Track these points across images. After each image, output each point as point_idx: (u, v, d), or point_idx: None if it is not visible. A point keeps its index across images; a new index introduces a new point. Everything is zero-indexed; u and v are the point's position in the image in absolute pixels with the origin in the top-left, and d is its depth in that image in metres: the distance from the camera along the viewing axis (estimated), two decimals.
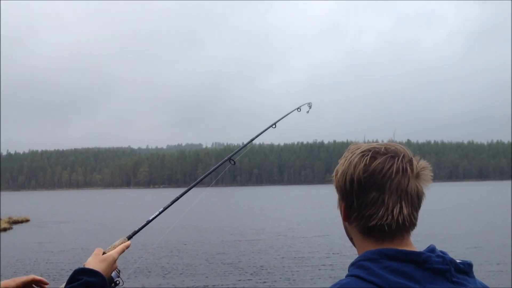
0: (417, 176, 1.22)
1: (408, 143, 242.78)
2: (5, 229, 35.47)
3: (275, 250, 21.38)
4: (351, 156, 1.30)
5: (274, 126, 2.95)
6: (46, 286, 1.77)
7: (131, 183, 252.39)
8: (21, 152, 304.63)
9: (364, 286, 1.12)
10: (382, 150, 1.28)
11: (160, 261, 19.02)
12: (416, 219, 1.23)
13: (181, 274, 16.55)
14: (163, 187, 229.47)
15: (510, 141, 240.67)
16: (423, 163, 1.27)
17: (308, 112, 3.30)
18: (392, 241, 1.22)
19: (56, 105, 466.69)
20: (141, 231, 2.00)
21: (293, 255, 19.88)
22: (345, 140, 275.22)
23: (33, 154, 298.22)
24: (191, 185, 2.37)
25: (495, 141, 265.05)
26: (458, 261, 1.19)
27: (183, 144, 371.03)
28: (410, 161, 1.24)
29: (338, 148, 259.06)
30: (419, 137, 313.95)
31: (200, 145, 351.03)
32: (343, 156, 1.36)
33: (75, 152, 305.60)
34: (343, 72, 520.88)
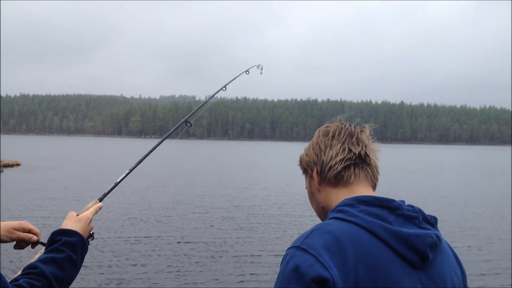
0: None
1: (401, 105, 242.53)
2: None
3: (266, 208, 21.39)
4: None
5: (224, 89, 2.93)
6: (34, 237, 1.74)
7: (122, 132, 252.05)
8: (13, 96, 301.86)
9: (344, 225, 1.25)
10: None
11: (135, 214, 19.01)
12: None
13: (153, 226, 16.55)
14: (155, 137, 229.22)
15: (503, 107, 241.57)
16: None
17: (261, 73, 3.21)
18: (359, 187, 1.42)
19: (52, 50, 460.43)
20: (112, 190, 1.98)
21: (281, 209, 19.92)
22: (339, 99, 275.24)
23: (24, 98, 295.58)
24: (152, 148, 2.39)
25: (487, 106, 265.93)
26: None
27: (176, 96, 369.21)
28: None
29: (332, 107, 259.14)
30: (413, 99, 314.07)
31: (194, 97, 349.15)
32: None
33: (67, 98, 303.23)
34: (346, 29, 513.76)
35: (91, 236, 1.80)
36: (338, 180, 1.42)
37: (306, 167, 1.51)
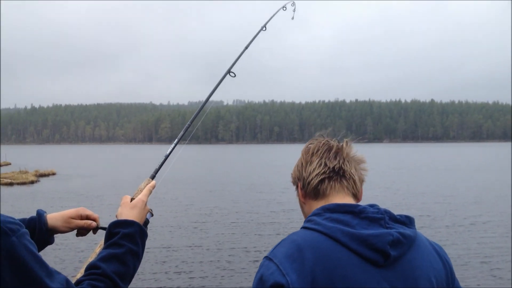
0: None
1: (432, 103, 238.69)
2: (32, 182, 36.53)
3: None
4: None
5: (264, 28, 2.86)
6: (93, 223, 1.76)
7: (153, 138, 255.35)
8: (45, 106, 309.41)
9: (307, 233, 1.38)
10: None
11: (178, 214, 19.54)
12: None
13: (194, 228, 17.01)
14: (183, 143, 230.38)
15: None
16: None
17: (293, 18, 3.24)
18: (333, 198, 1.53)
19: (83, 61, 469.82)
20: (162, 169, 2.01)
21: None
22: (367, 99, 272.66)
23: (57, 108, 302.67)
24: (201, 106, 2.40)
25: None
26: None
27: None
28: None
29: (360, 107, 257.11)
30: (443, 97, 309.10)
31: (221, 102, 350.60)
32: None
33: (98, 107, 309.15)
34: (371, 29, 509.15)
35: (149, 215, 1.78)
36: (316, 193, 1.53)
37: (293, 182, 1.65)
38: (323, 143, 1.63)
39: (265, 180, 35.42)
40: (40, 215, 1.63)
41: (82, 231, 1.75)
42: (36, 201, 24.57)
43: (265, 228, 16.86)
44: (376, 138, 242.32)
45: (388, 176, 39.07)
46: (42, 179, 39.01)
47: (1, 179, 36.00)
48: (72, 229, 1.72)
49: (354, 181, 1.55)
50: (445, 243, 14.13)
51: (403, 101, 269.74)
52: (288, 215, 19.38)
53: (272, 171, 45.45)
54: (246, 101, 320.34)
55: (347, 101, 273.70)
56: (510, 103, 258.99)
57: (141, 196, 1.75)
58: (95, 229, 1.76)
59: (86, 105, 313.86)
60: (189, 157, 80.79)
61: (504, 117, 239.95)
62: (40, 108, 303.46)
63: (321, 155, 1.58)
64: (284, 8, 3.08)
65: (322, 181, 1.53)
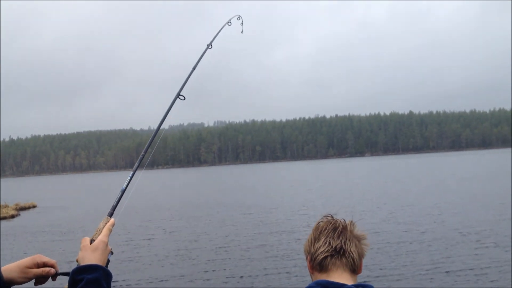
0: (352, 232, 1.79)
1: (410, 115, 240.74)
2: (12, 216, 35.81)
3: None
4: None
5: (210, 46, 2.83)
6: (52, 270, 1.69)
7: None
8: (24, 138, 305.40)
9: None
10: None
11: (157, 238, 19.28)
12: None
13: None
14: (167, 167, 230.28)
15: None
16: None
17: (242, 31, 3.26)
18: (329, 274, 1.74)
19: (58, 89, 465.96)
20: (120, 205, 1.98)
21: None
22: (347, 114, 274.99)
23: (35, 139, 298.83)
24: (154, 132, 2.35)
25: (497, 109, 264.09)
26: None
27: (185, 124, 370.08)
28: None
29: (340, 122, 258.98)
30: (422, 108, 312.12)
31: (202, 124, 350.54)
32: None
33: (78, 136, 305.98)
34: (351, 45, 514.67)
35: (110, 254, 1.75)
36: (320, 268, 1.75)
37: (305, 254, 1.87)
38: (331, 223, 1.81)
39: (251, 202, 35.27)
40: None
41: (40, 280, 1.69)
42: (17, 238, 24.08)
43: (255, 251, 16.71)
44: (357, 152, 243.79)
45: (374, 189, 39.21)
46: (23, 213, 38.28)
47: None
48: (30, 279, 1.66)
49: (353, 259, 1.74)
50: (439, 255, 14.13)
51: (382, 114, 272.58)
52: (277, 237, 19.27)
53: (256, 192, 45.33)
54: (227, 122, 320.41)
55: (327, 116, 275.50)
56: (487, 110, 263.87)
57: (101, 237, 1.71)
58: (54, 276, 1.70)
59: (65, 134, 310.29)
60: (170, 182, 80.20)
61: (481, 125, 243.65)
62: (18, 140, 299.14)
63: (327, 234, 1.77)
64: (229, 23, 3.11)
65: (325, 258, 1.73)
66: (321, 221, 1.86)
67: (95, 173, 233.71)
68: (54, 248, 19.94)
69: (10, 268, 1.62)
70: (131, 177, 2.08)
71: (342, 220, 1.84)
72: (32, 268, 1.66)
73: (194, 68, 2.72)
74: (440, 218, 21.73)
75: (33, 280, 1.69)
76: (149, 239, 20.56)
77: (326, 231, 1.79)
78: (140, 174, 2.12)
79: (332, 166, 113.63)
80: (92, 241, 1.70)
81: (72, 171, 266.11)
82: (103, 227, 1.78)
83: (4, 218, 34.92)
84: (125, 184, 2.05)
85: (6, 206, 40.87)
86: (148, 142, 2.27)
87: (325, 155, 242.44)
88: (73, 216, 33.04)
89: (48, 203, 46.09)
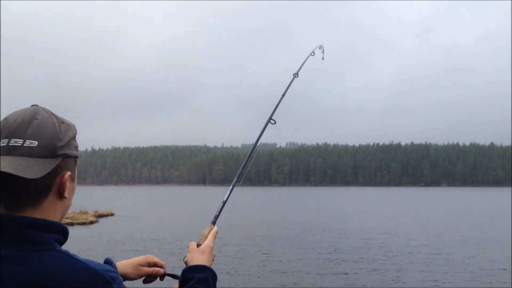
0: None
1: (491, 146, 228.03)
2: (92, 222, 37.52)
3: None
4: None
5: (297, 75, 2.94)
6: (161, 270, 1.82)
7: (206, 180, 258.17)
8: (105, 149, 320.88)
9: None
10: None
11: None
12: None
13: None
14: (237, 185, 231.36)
15: None
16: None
17: (323, 58, 3.37)
18: None
19: (140, 104, 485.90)
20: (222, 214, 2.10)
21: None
22: (423, 142, 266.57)
23: (115, 151, 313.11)
24: (247, 156, 2.48)
25: None
26: None
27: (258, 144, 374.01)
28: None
29: (416, 150, 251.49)
30: (504, 140, 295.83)
31: (275, 144, 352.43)
32: None
33: (154, 149, 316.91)
34: (434, 69, 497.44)
35: None
36: None
37: None
38: None
39: (328, 225, 34.89)
40: (111, 264, 1.64)
41: (149, 278, 1.81)
42: (98, 244, 25.13)
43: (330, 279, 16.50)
44: (433, 181, 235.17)
45: (455, 222, 37.66)
46: (101, 220, 40.00)
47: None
48: (141, 276, 1.79)
49: None
50: None
51: (461, 144, 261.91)
52: (352, 265, 18.93)
53: (330, 214, 44.79)
54: (299, 144, 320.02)
55: (402, 143, 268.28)
56: None
57: (208, 242, 1.82)
58: (162, 276, 1.83)
59: (143, 147, 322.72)
60: (244, 200, 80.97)
61: None
62: (99, 150, 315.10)
63: None
64: (313, 54, 3.25)
65: None
66: None
67: (168, 186, 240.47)
68: (129, 256, 20.60)
69: (124, 264, 1.76)
70: (231, 191, 2.16)
71: None
72: (144, 266, 1.79)
73: (283, 95, 2.82)
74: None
75: (142, 278, 1.82)
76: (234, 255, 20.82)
77: None
78: (237, 190, 2.24)
79: (409, 195, 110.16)
80: (198, 245, 1.82)
81: (148, 183, 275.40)
82: (208, 233, 1.88)
83: (84, 223, 36.68)
84: (226, 196, 2.14)
85: (86, 213, 42.92)
86: (244, 160, 2.44)
87: (399, 183, 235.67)
88: (146, 226, 34.11)
89: (124, 212, 47.83)
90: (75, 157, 1.31)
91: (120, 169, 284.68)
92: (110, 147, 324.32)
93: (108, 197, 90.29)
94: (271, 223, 35.89)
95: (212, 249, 1.82)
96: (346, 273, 16.69)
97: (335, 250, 22.17)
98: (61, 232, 1.26)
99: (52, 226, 1.23)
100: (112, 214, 44.95)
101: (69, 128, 1.29)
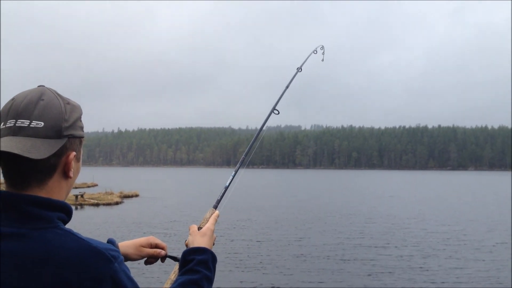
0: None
1: None
2: (117, 203, 37.86)
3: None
4: None
5: (300, 70, 3.09)
6: (162, 251, 1.85)
7: (231, 162, 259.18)
8: (131, 130, 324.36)
9: None
10: None
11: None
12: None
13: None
14: (262, 167, 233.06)
15: None
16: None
17: (322, 60, 3.47)
18: None
19: (167, 85, 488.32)
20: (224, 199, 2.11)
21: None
22: (450, 125, 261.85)
23: (141, 132, 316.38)
24: (250, 143, 2.53)
25: None
26: None
27: (282, 126, 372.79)
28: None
29: (443, 133, 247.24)
30: None
31: (299, 127, 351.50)
32: None
33: (180, 131, 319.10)
34: (467, 49, 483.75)
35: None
36: None
37: None
38: None
39: (352, 209, 34.49)
40: (113, 243, 1.64)
41: (151, 260, 1.84)
42: (118, 225, 25.24)
43: (354, 265, 16.17)
44: (460, 165, 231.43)
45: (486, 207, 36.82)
46: (126, 201, 40.34)
47: (88, 200, 37.62)
48: (142, 257, 1.82)
49: None
50: None
51: (490, 127, 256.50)
52: (377, 251, 18.55)
53: (356, 199, 44.33)
54: (324, 126, 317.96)
55: (429, 126, 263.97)
56: None
57: (209, 225, 1.84)
58: (163, 258, 1.86)
59: (168, 129, 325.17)
60: (267, 182, 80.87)
61: None
62: (126, 132, 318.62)
63: None
64: (315, 52, 3.41)
65: None
66: None
67: (193, 168, 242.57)
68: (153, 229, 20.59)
69: (127, 245, 1.78)
70: (233, 176, 2.19)
71: None
72: (146, 247, 1.82)
73: (287, 87, 2.96)
74: None
75: (144, 260, 1.85)
76: (244, 238, 20.63)
77: None
78: (241, 172, 2.28)
79: (435, 179, 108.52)
80: (199, 228, 1.83)
81: (173, 164, 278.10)
82: (210, 217, 1.91)
83: (109, 204, 37.03)
84: (228, 181, 2.17)
85: (112, 193, 43.36)
86: (248, 146, 2.49)
87: (425, 166, 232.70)
88: (170, 207, 34.27)
89: (149, 193, 48.19)
90: (81, 138, 1.33)
91: (146, 151, 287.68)
92: (136, 129, 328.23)
93: (133, 179, 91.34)
94: (294, 206, 35.62)
95: (213, 232, 1.85)
96: (372, 259, 16.32)
97: (361, 234, 21.79)
98: (65, 211, 1.28)
99: (57, 204, 1.25)
100: (137, 195, 45.34)
101: (75, 109, 1.31)
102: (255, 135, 2.55)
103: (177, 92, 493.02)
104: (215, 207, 2.02)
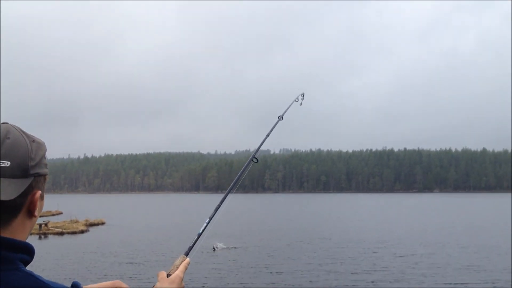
0: None
1: (483, 152, 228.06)
2: (82, 231, 36.91)
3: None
4: None
5: (281, 118, 3.27)
6: None
7: (200, 187, 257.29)
8: (97, 156, 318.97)
9: None
10: None
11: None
12: None
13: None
14: (231, 192, 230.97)
15: None
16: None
17: (301, 104, 3.69)
18: None
19: (134, 111, 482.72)
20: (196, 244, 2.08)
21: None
22: (415, 148, 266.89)
23: (108, 158, 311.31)
24: (227, 191, 2.54)
25: None
26: None
27: (251, 150, 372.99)
28: None
29: (409, 156, 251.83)
30: (496, 146, 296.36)
31: (268, 151, 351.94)
32: None
33: (148, 156, 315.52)
34: (433, 75, 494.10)
35: None
36: None
37: None
38: None
39: (327, 233, 34.44)
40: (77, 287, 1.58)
41: None
42: (82, 255, 24.56)
43: None
44: (426, 188, 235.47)
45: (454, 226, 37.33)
46: (92, 229, 39.38)
47: (52, 229, 36.55)
48: None
49: None
50: None
51: (453, 150, 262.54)
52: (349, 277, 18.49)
53: (328, 223, 44.36)
54: (293, 150, 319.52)
55: (395, 149, 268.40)
56: None
57: (178, 273, 1.82)
58: None
59: (136, 154, 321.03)
60: (237, 208, 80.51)
61: None
62: (92, 158, 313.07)
63: None
64: (297, 100, 3.67)
65: None
66: None
67: (162, 194, 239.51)
68: (115, 269, 20.08)
69: None
70: (208, 223, 2.16)
71: None
72: None
73: (267, 135, 3.12)
74: None
75: None
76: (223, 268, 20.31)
77: None
78: (216, 217, 2.22)
79: (402, 201, 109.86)
80: (168, 275, 1.80)
81: (141, 190, 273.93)
82: (180, 264, 1.87)
83: (74, 233, 36.06)
84: (202, 228, 2.13)
85: (77, 221, 42.31)
86: (225, 194, 2.47)
87: (391, 189, 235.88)
88: (137, 235, 33.54)
89: (115, 221, 47.21)
90: (45, 175, 1.31)
91: (113, 177, 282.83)
92: (102, 155, 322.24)
93: (100, 206, 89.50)
94: (265, 231, 35.39)
95: (182, 280, 1.82)
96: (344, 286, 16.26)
97: (332, 260, 21.73)
98: (27, 252, 1.24)
99: (19, 246, 1.22)
100: (103, 223, 44.34)
101: (40, 147, 1.29)
102: (232, 182, 2.57)
103: (145, 116, 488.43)
104: (187, 254, 1.99)
